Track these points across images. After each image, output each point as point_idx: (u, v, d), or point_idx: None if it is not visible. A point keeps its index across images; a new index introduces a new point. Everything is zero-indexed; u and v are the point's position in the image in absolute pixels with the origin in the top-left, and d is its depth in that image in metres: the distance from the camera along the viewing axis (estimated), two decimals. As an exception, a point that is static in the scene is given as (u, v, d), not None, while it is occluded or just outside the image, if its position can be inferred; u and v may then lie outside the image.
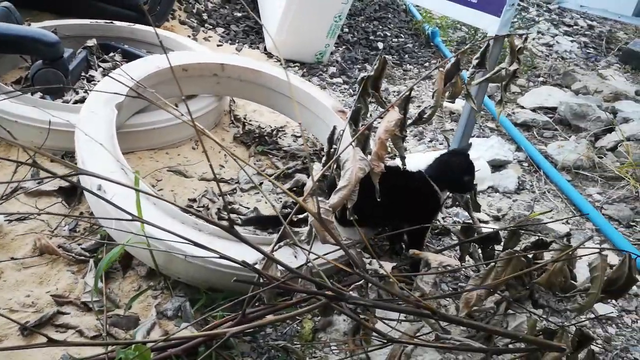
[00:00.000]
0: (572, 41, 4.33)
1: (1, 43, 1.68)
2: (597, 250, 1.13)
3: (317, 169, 1.18)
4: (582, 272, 1.44)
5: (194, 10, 3.26)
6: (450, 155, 1.48)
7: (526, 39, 1.33)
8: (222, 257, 0.98)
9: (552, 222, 1.86)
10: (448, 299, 1.47)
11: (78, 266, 1.36)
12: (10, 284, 1.27)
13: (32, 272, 1.31)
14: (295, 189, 1.88)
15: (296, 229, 1.38)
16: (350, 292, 0.96)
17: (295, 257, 1.32)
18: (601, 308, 1.58)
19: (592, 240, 1.88)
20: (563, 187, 2.16)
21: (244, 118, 2.28)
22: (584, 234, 1.90)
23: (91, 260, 1.35)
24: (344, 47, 3.46)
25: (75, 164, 1.45)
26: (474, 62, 1.31)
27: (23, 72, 2.16)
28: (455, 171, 1.41)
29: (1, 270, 1.30)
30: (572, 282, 1.39)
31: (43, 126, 1.63)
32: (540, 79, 3.43)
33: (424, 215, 1.43)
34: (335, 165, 1.21)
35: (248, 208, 1.72)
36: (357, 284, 1.08)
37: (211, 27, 3.19)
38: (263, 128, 2.24)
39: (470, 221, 1.55)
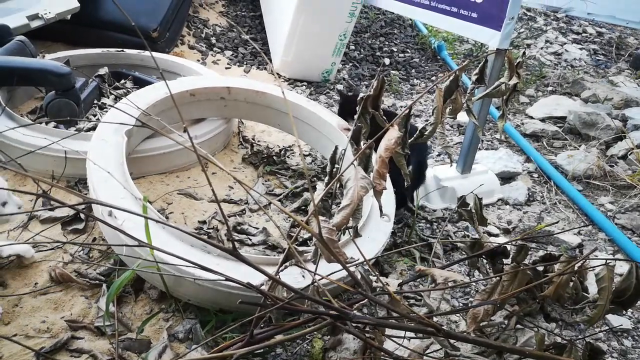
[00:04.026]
0: (581, 49, 4.31)
1: (16, 76, 1.75)
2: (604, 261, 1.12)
3: (319, 188, 1.20)
4: (595, 283, 1.43)
5: (203, 35, 3.33)
6: None
7: (524, 53, 1.34)
8: (228, 279, 1.00)
9: (562, 232, 1.85)
10: (458, 314, 1.47)
11: (92, 291, 1.40)
12: (26, 311, 1.30)
13: (47, 298, 1.35)
14: (303, 207, 1.90)
15: (303, 248, 1.40)
16: (355, 311, 0.97)
17: (303, 276, 1.34)
18: (616, 320, 1.55)
19: (605, 251, 1.86)
20: (574, 197, 2.14)
21: (253, 139, 2.32)
22: (597, 245, 1.88)
23: (104, 285, 1.38)
24: (350, 64, 3.49)
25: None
26: (473, 78, 1.32)
27: (38, 102, 2.24)
28: None
29: (18, 297, 1.33)
30: (584, 294, 1.37)
31: (58, 155, 1.69)
32: (549, 88, 3.42)
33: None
34: (338, 185, 1.22)
35: (257, 228, 1.74)
36: (362, 302, 1.08)
37: (219, 50, 3.26)
38: (271, 148, 2.27)
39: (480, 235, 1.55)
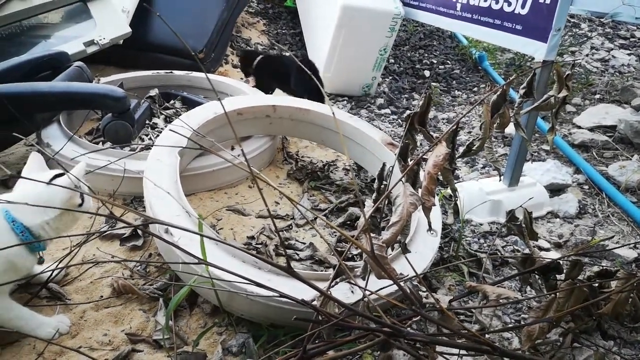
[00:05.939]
0: (629, 54, 4.17)
1: (77, 101, 1.86)
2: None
3: (368, 205, 1.22)
4: (654, 300, 1.37)
5: (246, 54, 3.43)
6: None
7: (573, 65, 1.32)
8: (282, 295, 1.03)
9: (618, 247, 1.79)
10: (511, 331, 1.44)
11: (149, 305, 1.45)
12: (90, 324, 1.37)
13: (108, 312, 1.41)
14: (348, 222, 1.92)
15: (351, 264, 1.42)
16: (408, 328, 0.97)
17: (352, 292, 1.35)
18: (679, 338, 1.49)
19: (664, 265, 1.79)
20: (628, 209, 2.07)
21: (297, 154, 2.36)
22: (655, 259, 1.81)
23: (161, 300, 1.44)
24: (390, 77, 3.51)
25: (144, 208, 1.57)
26: (521, 91, 1.31)
27: (94, 123, 2.36)
28: None
29: (83, 311, 1.41)
30: (643, 311, 1.33)
31: (114, 174, 1.78)
32: (597, 96, 3.32)
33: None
34: (386, 201, 1.24)
35: (304, 243, 1.77)
36: (415, 319, 1.09)
37: (262, 68, 3.34)
38: (315, 163, 2.31)
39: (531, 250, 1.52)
